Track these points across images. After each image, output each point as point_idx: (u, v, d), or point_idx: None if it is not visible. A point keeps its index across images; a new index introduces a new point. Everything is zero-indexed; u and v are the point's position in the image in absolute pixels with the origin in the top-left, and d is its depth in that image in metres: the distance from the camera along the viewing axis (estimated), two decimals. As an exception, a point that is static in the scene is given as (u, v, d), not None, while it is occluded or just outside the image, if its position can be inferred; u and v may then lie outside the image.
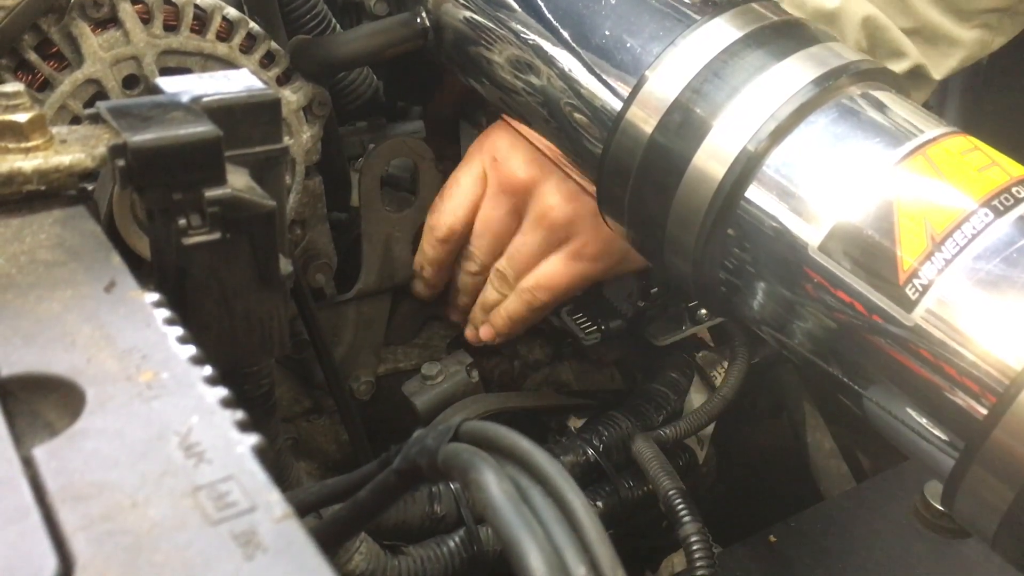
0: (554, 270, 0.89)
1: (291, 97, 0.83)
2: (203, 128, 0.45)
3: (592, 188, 0.74)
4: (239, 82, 0.52)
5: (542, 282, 0.90)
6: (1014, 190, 0.56)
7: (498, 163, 0.88)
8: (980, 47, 0.94)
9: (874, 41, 0.90)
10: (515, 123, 0.85)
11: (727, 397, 0.95)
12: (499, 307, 0.93)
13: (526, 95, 0.77)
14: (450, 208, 0.92)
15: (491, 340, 0.96)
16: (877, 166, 0.58)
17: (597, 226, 0.82)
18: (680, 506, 0.81)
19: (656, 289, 0.95)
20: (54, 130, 0.48)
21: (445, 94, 1.03)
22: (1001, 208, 0.55)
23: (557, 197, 0.85)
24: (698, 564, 0.78)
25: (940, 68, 0.94)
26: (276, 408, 0.63)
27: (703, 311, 0.99)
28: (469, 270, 0.95)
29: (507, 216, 0.90)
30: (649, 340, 1.00)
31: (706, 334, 1.08)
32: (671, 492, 0.82)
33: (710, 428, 1.00)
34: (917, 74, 0.93)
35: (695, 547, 0.78)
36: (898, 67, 0.91)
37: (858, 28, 0.89)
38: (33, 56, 0.72)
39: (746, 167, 0.62)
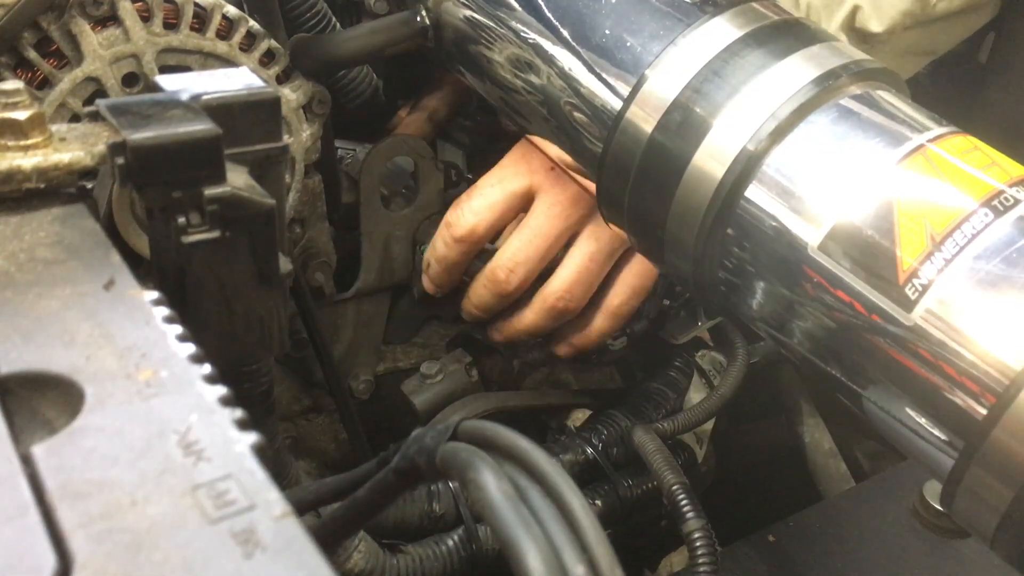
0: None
1: (291, 95, 0.83)
2: (203, 126, 0.45)
3: (591, 187, 0.74)
4: (239, 80, 0.52)
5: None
6: (1014, 190, 0.56)
7: None
8: (920, 3, 0.92)
9: None
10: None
11: (725, 395, 0.95)
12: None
13: (526, 94, 0.77)
14: None
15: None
16: (877, 166, 0.58)
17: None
18: (684, 501, 0.80)
19: (680, 287, 0.93)
20: (53, 128, 0.48)
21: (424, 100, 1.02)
22: (1001, 208, 0.55)
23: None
24: (701, 561, 0.77)
25: (883, 17, 0.92)
26: (275, 407, 0.63)
27: None
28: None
29: None
30: (667, 339, 0.99)
31: (705, 334, 1.08)
32: (675, 487, 0.81)
33: (709, 426, 1.00)
34: (862, 31, 0.92)
35: (698, 544, 0.77)
36: (840, 13, 0.90)
37: None
38: (33, 54, 0.72)
39: (746, 166, 0.61)
